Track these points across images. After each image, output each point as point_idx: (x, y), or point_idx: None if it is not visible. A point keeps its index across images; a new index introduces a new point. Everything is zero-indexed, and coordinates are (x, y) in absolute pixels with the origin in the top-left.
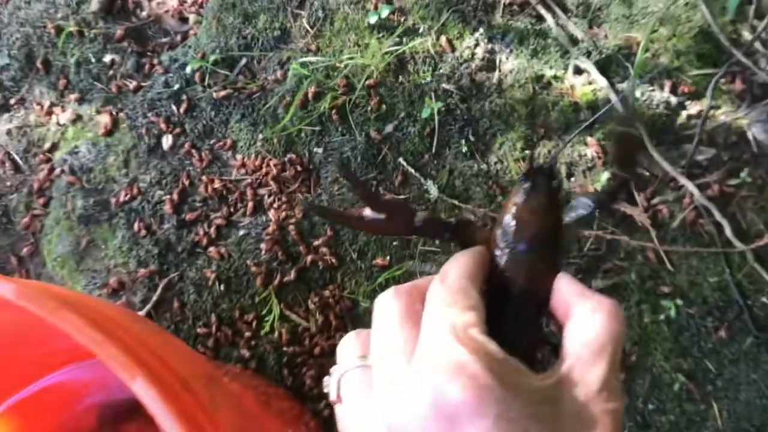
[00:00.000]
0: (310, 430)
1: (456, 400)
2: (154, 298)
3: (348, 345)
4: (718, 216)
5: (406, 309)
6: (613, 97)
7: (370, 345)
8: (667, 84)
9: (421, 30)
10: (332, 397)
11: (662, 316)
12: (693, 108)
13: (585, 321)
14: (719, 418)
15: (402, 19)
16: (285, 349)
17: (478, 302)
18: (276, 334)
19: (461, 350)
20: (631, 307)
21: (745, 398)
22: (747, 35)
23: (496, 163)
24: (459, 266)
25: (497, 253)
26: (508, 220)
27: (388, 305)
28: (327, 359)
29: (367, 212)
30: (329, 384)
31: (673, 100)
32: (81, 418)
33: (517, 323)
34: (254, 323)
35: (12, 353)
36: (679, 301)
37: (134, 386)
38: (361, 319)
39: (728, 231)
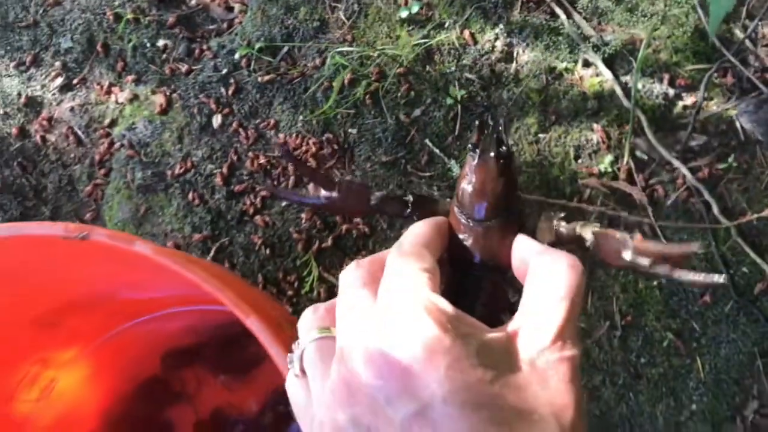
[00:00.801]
0: None
1: (405, 355)
2: (207, 260)
3: (306, 319)
4: (707, 195)
5: (367, 276)
6: (616, 86)
7: (336, 314)
8: (666, 77)
9: (446, 24)
10: (296, 372)
11: (655, 283)
12: (688, 99)
13: (540, 275)
14: (702, 371)
15: (430, 14)
16: None
17: (432, 265)
18: (315, 293)
19: (409, 307)
20: (628, 274)
21: (725, 354)
22: (739, 34)
23: (512, 145)
24: (414, 234)
25: (454, 223)
26: (462, 190)
27: (350, 275)
28: None
29: (322, 192)
30: (292, 359)
31: (671, 92)
32: (146, 363)
33: (479, 291)
34: (296, 283)
35: (105, 302)
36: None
37: (248, 323)
38: None
39: (715, 209)
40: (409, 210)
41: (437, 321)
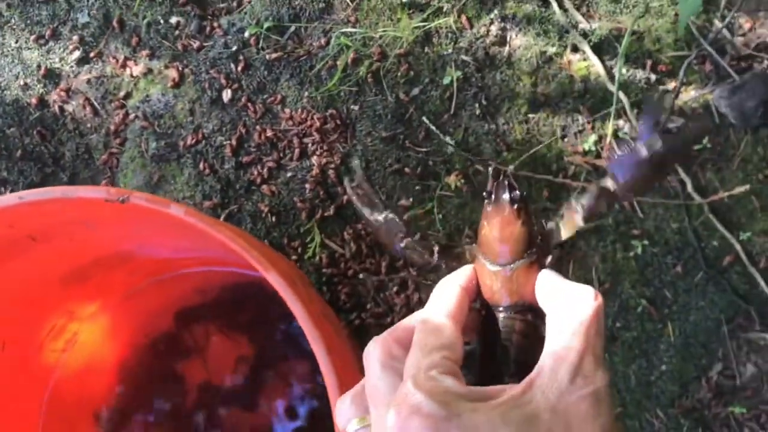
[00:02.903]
0: (344, 336)
1: None
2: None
3: (343, 412)
4: (682, 174)
5: (384, 357)
6: (601, 71)
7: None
8: (648, 63)
9: (444, 9)
10: None
11: (632, 254)
12: (669, 84)
13: (556, 312)
14: (673, 335)
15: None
16: (324, 270)
17: (451, 339)
18: (317, 258)
19: (418, 394)
20: (607, 245)
21: (693, 320)
22: (717, 23)
23: (503, 124)
24: (438, 302)
25: (480, 269)
26: (483, 237)
27: (369, 355)
28: (358, 280)
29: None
30: None
31: (653, 77)
32: (160, 320)
33: (511, 334)
34: (299, 249)
35: (127, 261)
36: (646, 242)
37: (269, 277)
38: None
39: (690, 187)
40: (436, 258)
41: (443, 402)
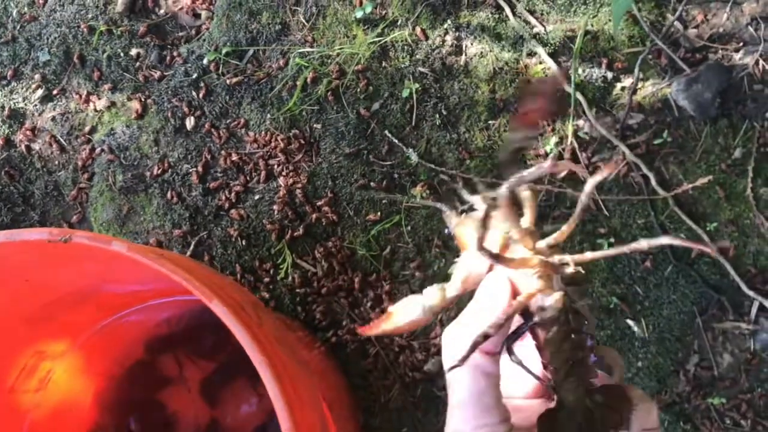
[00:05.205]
0: (321, 353)
1: None
2: (188, 253)
3: None
4: (645, 170)
5: None
6: (558, 72)
7: None
8: (604, 61)
9: (399, 22)
10: None
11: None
12: (626, 81)
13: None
14: (646, 331)
15: (383, 13)
16: (298, 290)
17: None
18: (290, 278)
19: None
20: (574, 246)
21: (666, 314)
22: (670, 17)
23: (464, 132)
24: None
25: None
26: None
27: None
28: (331, 297)
29: None
30: None
31: (609, 74)
32: (131, 351)
33: None
34: (271, 270)
35: (92, 297)
36: (613, 240)
37: (212, 306)
38: (359, 264)
39: (653, 181)
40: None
41: None
